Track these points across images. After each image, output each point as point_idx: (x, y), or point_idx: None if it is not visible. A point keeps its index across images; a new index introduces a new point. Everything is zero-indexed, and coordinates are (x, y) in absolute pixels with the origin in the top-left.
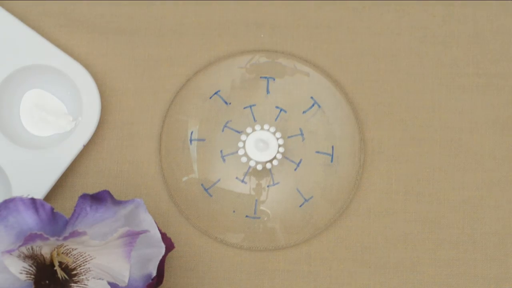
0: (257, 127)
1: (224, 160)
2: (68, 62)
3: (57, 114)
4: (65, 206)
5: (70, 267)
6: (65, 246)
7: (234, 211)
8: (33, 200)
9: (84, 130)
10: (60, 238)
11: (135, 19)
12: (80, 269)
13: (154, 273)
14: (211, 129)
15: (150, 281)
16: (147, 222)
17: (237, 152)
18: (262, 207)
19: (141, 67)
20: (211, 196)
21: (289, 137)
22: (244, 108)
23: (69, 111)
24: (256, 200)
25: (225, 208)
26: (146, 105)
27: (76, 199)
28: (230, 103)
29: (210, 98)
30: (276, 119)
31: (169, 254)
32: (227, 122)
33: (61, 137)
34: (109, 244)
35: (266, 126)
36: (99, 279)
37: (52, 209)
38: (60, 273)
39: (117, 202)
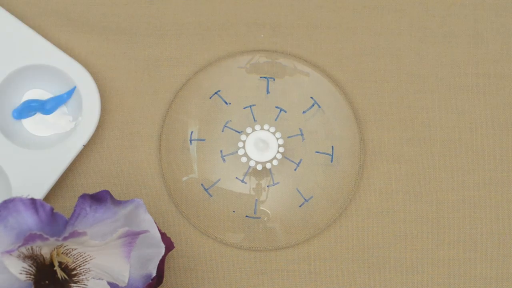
0: (257, 127)
1: (224, 160)
2: (68, 62)
3: (57, 114)
4: (65, 206)
5: (70, 267)
6: (65, 246)
7: (234, 211)
8: (33, 201)
9: (84, 130)
10: (60, 238)
11: (135, 19)
12: (80, 269)
13: (154, 273)
14: (211, 129)
15: (150, 281)
16: (147, 222)
17: (237, 152)
18: (262, 207)
19: (141, 67)
20: (211, 196)
21: (289, 137)
22: (244, 108)
23: (69, 111)
24: (256, 200)
25: (225, 208)
26: (146, 105)
27: (76, 199)
28: (230, 103)
29: (210, 98)
30: (276, 119)
31: (169, 254)
32: (227, 122)
33: (61, 137)
34: (109, 244)
35: (266, 126)
36: (99, 279)
37: (52, 209)
38: (60, 273)
39: (117, 202)
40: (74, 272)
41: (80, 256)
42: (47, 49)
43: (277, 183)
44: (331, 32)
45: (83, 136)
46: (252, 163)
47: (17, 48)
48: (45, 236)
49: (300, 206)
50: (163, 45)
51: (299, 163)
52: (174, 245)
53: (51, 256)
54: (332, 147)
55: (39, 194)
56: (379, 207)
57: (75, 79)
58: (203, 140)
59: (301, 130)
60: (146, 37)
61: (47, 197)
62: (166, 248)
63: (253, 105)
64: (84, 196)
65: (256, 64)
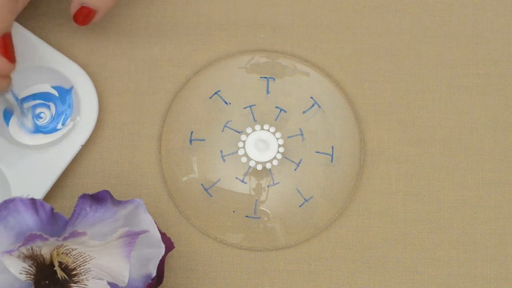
0: (257, 127)
1: (224, 160)
2: (64, 61)
3: None
4: (65, 206)
5: (70, 267)
6: (65, 246)
7: (234, 211)
8: (33, 201)
9: (82, 130)
10: (60, 239)
11: (135, 19)
12: (80, 269)
13: (154, 273)
14: (211, 129)
15: (150, 281)
16: (147, 222)
17: (237, 152)
18: (262, 207)
19: (141, 67)
20: (211, 196)
21: (289, 137)
22: (244, 108)
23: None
24: (256, 200)
25: (225, 208)
26: (146, 105)
27: (76, 199)
28: (230, 103)
29: (210, 98)
30: (276, 119)
31: (169, 254)
32: (227, 122)
33: (59, 137)
34: (109, 244)
35: (266, 126)
36: (99, 279)
37: (52, 209)
38: (60, 273)
39: (117, 202)
40: (74, 272)
41: (80, 256)
42: (42, 49)
43: (277, 183)
44: (331, 32)
45: (81, 136)
46: (252, 163)
47: (16, 50)
48: (45, 236)
49: (300, 206)
50: (163, 45)
51: (299, 163)
52: (174, 245)
53: (51, 256)
54: (332, 147)
55: (38, 194)
56: (379, 207)
57: (72, 79)
58: (203, 140)
59: (301, 130)
60: (146, 37)
61: (47, 197)
62: (166, 248)
63: (253, 105)
64: (84, 196)
65: (256, 64)
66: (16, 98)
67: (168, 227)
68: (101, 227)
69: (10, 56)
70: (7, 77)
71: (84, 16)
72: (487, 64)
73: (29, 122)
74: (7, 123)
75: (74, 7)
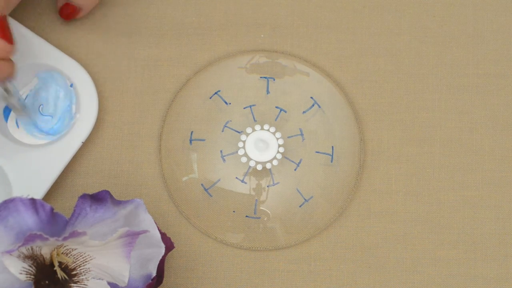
0: (257, 127)
1: (224, 160)
2: (64, 59)
3: None
4: (65, 206)
5: (70, 267)
6: (65, 246)
7: (234, 211)
8: (33, 201)
9: (83, 127)
10: (60, 239)
11: (135, 19)
12: (80, 269)
13: (154, 273)
14: (211, 129)
15: (150, 281)
16: (147, 222)
17: (237, 152)
18: (262, 207)
19: (141, 67)
20: (211, 196)
21: (289, 137)
22: (244, 108)
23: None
24: (256, 200)
25: (225, 208)
26: (146, 105)
27: (76, 199)
28: (230, 103)
29: (210, 98)
30: (276, 119)
31: (169, 254)
32: (227, 122)
33: (59, 135)
34: (109, 244)
35: (266, 126)
36: (99, 279)
37: (52, 209)
38: (60, 273)
39: (117, 202)
40: (74, 272)
41: (80, 256)
42: (42, 47)
43: (277, 183)
44: (331, 32)
45: (81, 133)
46: (252, 163)
47: (16, 49)
48: (45, 236)
49: (300, 206)
50: (163, 45)
51: (299, 163)
52: (174, 245)
53: (51, 256)
54: (332, 147)
55: (39, 192)
56: (379, 207)
57: (72, 75)
58: (203, 140)
59: (301, 130)
60: (146, 37)
61: (47, 197)
62: (166, 248)
63: (253, 105)
64: (84, 196)
65: (256, 64)
66: (16, 91)
67: (168, 227)
68: (101, 227)
69: (8, 37)
70: (8, 61)
71: (68, 13)
72: (487, 64)
73: (27, 117)
74: (6, 121)
75: (60, 2)
